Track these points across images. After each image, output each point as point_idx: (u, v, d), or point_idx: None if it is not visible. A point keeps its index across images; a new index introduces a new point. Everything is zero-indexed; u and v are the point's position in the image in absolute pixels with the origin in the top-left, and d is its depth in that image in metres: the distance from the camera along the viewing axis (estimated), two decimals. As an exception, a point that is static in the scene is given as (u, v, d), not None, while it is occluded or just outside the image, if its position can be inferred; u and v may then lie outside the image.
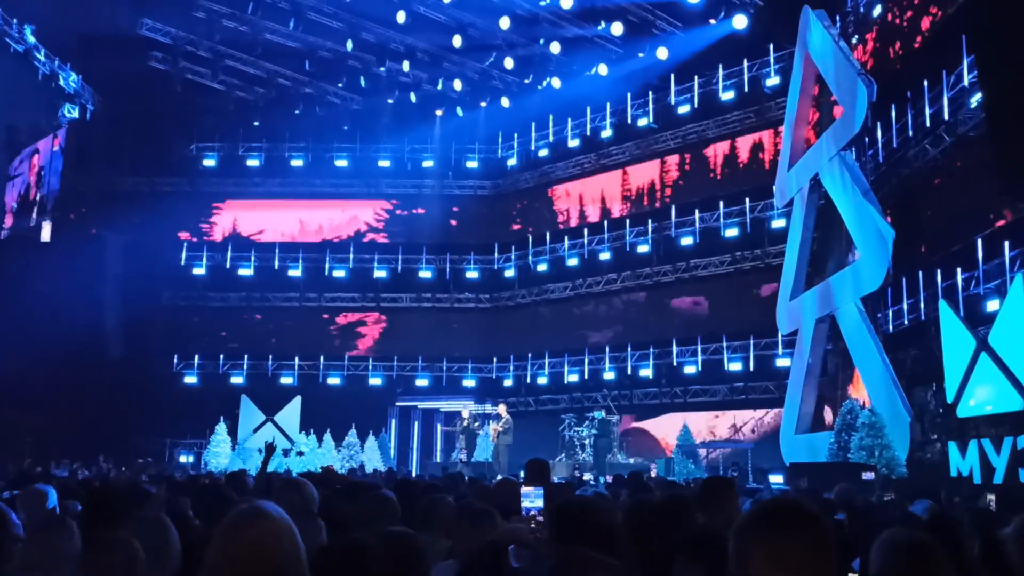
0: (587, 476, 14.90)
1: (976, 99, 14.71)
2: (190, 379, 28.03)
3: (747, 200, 24.68)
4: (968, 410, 14.35)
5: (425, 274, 29.50)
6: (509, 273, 29.63)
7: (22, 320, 24.15)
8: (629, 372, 26.00)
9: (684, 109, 26.20)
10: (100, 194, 29.07)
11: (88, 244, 27.47)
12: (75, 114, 27.82)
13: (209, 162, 30.18)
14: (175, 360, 28.18)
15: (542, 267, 28.68)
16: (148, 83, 27.81)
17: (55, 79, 26.47)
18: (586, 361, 26.76)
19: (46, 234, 27.05)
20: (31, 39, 24.79)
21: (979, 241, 15.36)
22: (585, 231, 28.25)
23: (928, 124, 16.57)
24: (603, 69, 26.47)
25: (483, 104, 28.94)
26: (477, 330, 29.39)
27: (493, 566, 3.29)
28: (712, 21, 23.16)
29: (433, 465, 23.02)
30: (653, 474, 13.80)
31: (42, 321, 23.72)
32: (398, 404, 27.68)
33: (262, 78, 28.75)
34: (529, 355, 28.12)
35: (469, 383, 28.47)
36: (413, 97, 28.76)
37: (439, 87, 28.35)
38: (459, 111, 29.30)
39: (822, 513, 2.04)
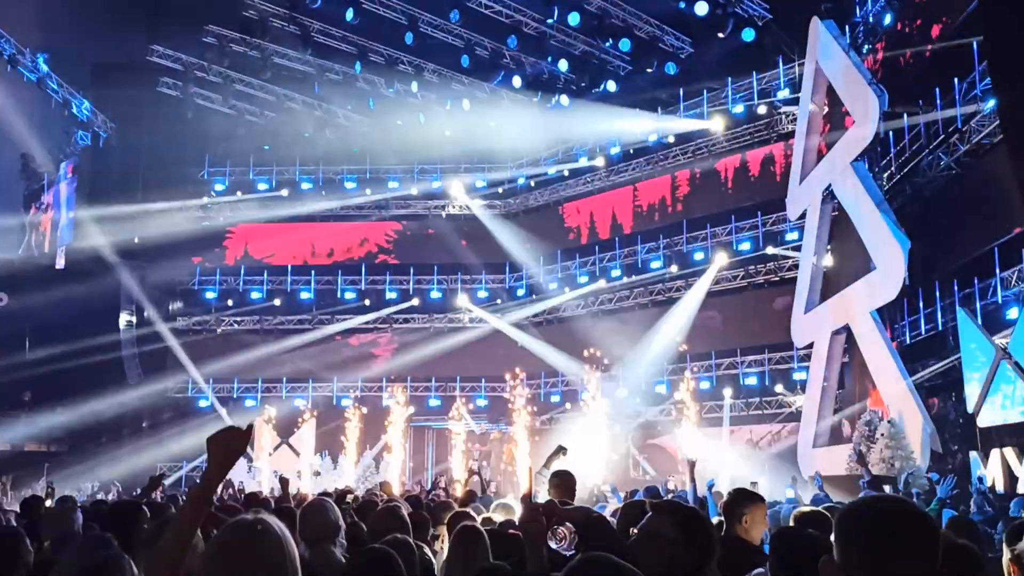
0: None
1: (990, 105, 14.65)
2: (204, 403, 28.03)
3: (759, 213, 24.59)
4: (989, 420, 14.19)
5: (436, 294, 29.48)
6: (520, 292, 29.57)
7: (38, 347, 24.24)
8: (643, 388, 25.84)
9: (694, 124, 26.17)
10: (113, 220, 29.20)
11: (102, 270, 27.56)
12: (88, 141, 28.01)
13: (220, 186, 30.33)
14: (189, 384, 28.20)
15: (553, 286, 28.61)
16: (159, 109, 28.02)
17: (68, 107, 26.69)
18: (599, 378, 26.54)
19: (61, 261, 27.14)
20: (44, 68, 25.02)
21: (996, 249, 15.24)
22: (596, 248, 28.19)
23: (941, 132, 16.50)
24: (611, 85, 26.49)
25: (492, 123, 28.98)
26: (489, 349, 29.26)
27: None
28: (720, 35, 23.15)
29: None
30: (671, 487, 13.60)
31: (58, 348, 23.76)
32: (412, 424, 27.55)
33: (272, 102, 28.92)
34: (543, 373, 27.98)
35: (482, 403, 28.34)
36: (422, 118, 28.85)
37: (448, 107, 28.42)
38: (468, 130, 29.34)
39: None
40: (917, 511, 1.88)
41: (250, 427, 2.39)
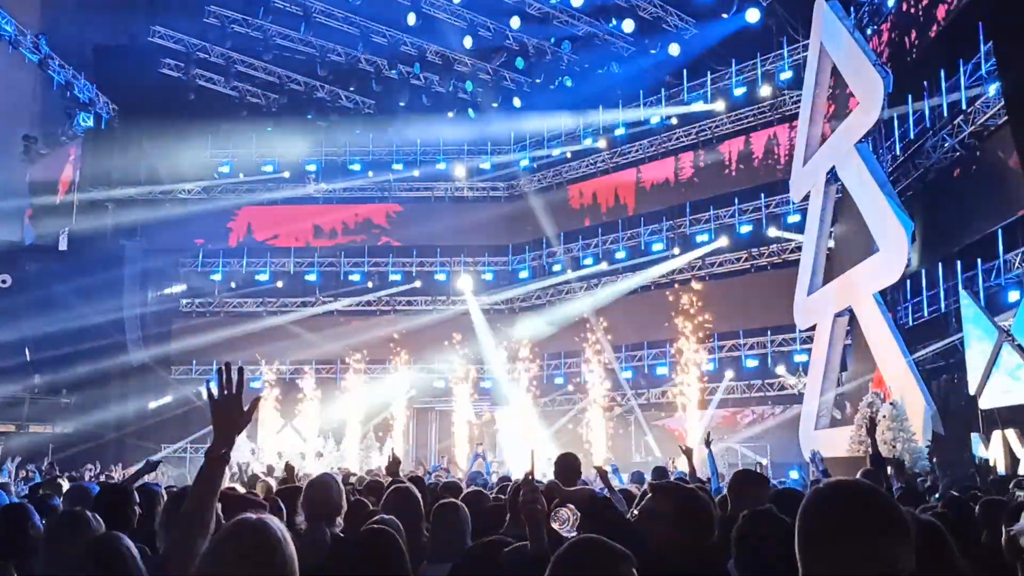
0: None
1: (995, 88, 14.58)
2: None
3: (763, 195, 24.56)
4: (991, 401, 14.21)
5: (440, 276, 29.50)
6: (524, 274, 29.58)
7: (42, 329, 24.30)
8: (646, 371, 25.93)
9: (697, 106, 26.06)
10: (116, 202, 29.21)
11: (105, 252, 27.58)
12: (90, 123, 27.92)
13: (223, 168, 30.30)
14: (193, 365, 28.29)
15: (557, 268, 28.61)
16: (161, 90, 27.90)
17: (70, 88, 26.57)
18: (603, 360, 26.61)
19: (64, 242, 27.17)
20: (45, 49, 24.90)
21: (999, 231, 15.21)
22: (599, 230, 28.17)
23: (946, 114, 16.43)
24: (615, 67, 26.38)
25: (495, 105, 28.86)
26: (492, 332, 29.27)
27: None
28: (724, 15, 23.03)
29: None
30: (673, 467, 13.63)
31: (62, 330, 23.85)
32: (416, 406, 27.64)
33: (274, 83, 28.81)
34: (545, 355, 28.02)
35: (486, 384, 28.40)
36: (425, 99, 28.75)
37: (451, 89, 28.33)
38: (471, 113, 29.27)
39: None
40: (874, 491, 1.90)
41: (255, 403, 2.48)
